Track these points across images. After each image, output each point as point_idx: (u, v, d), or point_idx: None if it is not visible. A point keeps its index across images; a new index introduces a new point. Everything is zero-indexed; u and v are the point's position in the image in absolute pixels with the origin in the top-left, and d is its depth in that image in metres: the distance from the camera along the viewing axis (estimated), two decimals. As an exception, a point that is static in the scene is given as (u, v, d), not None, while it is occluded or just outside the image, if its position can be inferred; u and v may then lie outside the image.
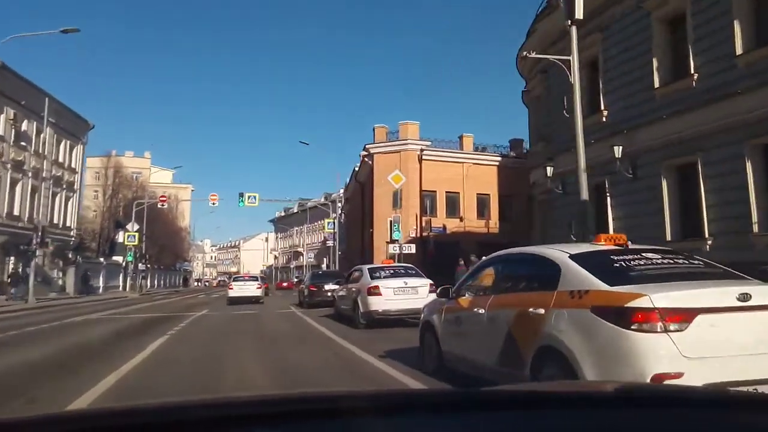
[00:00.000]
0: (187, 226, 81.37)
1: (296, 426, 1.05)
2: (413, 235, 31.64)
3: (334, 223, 36.52)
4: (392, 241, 21.57)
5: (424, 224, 30.56)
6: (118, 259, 44.30)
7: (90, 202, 54.34)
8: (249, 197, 35.16)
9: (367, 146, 33.90)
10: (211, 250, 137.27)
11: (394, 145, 32.83)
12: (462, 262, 21.14)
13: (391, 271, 12.93)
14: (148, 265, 55.74)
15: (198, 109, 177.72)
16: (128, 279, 39.90)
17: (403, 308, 11.49)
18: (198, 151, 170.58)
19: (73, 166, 35.44)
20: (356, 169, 42.55)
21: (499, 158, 34.67)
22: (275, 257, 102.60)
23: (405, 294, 11.74)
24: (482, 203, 34.21)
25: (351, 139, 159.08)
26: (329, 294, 18.39)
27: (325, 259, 48.09)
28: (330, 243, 36.90)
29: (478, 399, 1.32)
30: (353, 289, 12.74)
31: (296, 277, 75.72)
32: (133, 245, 37.67)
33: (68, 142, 34.24)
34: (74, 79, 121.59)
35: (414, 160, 31.56)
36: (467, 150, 34.39)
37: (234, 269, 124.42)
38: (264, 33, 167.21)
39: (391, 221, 21.85)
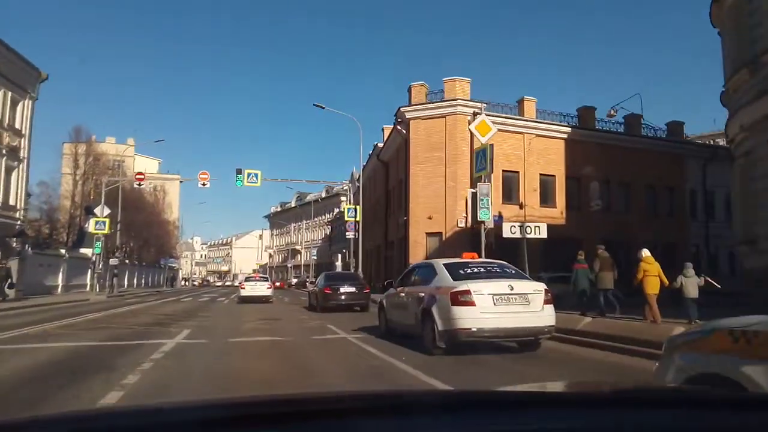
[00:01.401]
0: (176, 220, 74.51)
1: (297, 426, 1.04)
2: (462, 224, 24.48)
3: (355, 210, 29.01)
4: (478, 223, 14.25)
5: (480, 209, 23.13)
6: (88, 252, 36.70)
7: (68, 192, 47.20)
8: (249, 175, 27.76)
9: (401, 109, 26.40)
10: (201, 248, 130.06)
11: (438, 108, 25.48)
12: (582, 257, 13.84)
13: (483, 269, 8.65)
14: (127, 261, 48.30)
15: (193, 100, 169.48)
16: (96, 276, 32.03)
17: (508, 327, 7.79)
18: (190, 143, 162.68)
19: (16, 126, 26.97)
20: (378, 145, 35.14)
21: (568, 129, 27.33)
22: (270, 255, 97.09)
23: (510, 305, 7.89)
24: (546, 186, 27.03)
25: (366, 125, 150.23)
26: (343, 297, 17.86)
27: (339, 256, 40.63)
28: (350, 235, 29.42)
29: (478, 399, 1.32)
30: (420, 295, 8.93)
31: (295, 277, 68.53)
32: (103, 234, 30.04)
33: (9, 92, 25.57)
34: (63, 61, 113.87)
35: (464, 128, 24.05)
36: (529, 116, 26.96)
37: (225, 268, 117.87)
38: (267, 22, 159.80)
39: (474, 194, 14.46)
